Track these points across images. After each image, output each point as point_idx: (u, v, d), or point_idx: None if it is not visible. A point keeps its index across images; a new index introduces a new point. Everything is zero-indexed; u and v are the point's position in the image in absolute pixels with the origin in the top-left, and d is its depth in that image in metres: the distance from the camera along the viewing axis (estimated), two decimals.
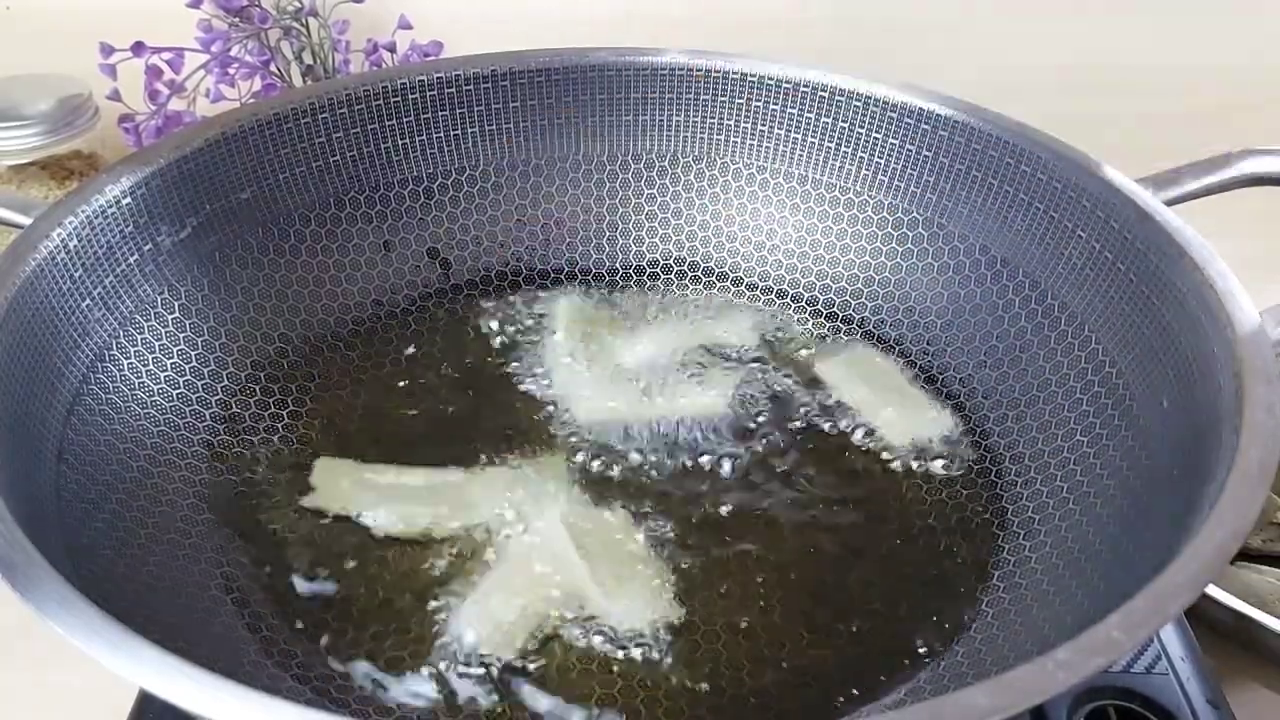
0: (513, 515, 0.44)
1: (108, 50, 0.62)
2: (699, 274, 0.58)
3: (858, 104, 0.54)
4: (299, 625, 0.41)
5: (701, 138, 0.57)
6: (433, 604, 0.41)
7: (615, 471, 0.47)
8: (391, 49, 0.67)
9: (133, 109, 0.63)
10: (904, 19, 0.76)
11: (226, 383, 0.49)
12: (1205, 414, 0.38)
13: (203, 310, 0.49)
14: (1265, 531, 0.50)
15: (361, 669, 0.39)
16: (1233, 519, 0.32)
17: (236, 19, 0.65)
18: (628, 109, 0.56)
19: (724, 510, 0.45)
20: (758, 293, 0.57)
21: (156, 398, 0.46)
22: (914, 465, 0.48)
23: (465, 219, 0.56)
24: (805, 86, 0.54)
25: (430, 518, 0.44)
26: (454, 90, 0.54)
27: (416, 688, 0.38)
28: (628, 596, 0.41)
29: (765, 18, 0.74)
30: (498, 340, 0.54)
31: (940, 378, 0.52)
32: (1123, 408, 0.44)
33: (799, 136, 0.55)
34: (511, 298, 0.56)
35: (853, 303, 0.55)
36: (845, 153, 0.55)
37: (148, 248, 0.46)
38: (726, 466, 0.47)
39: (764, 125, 0.56)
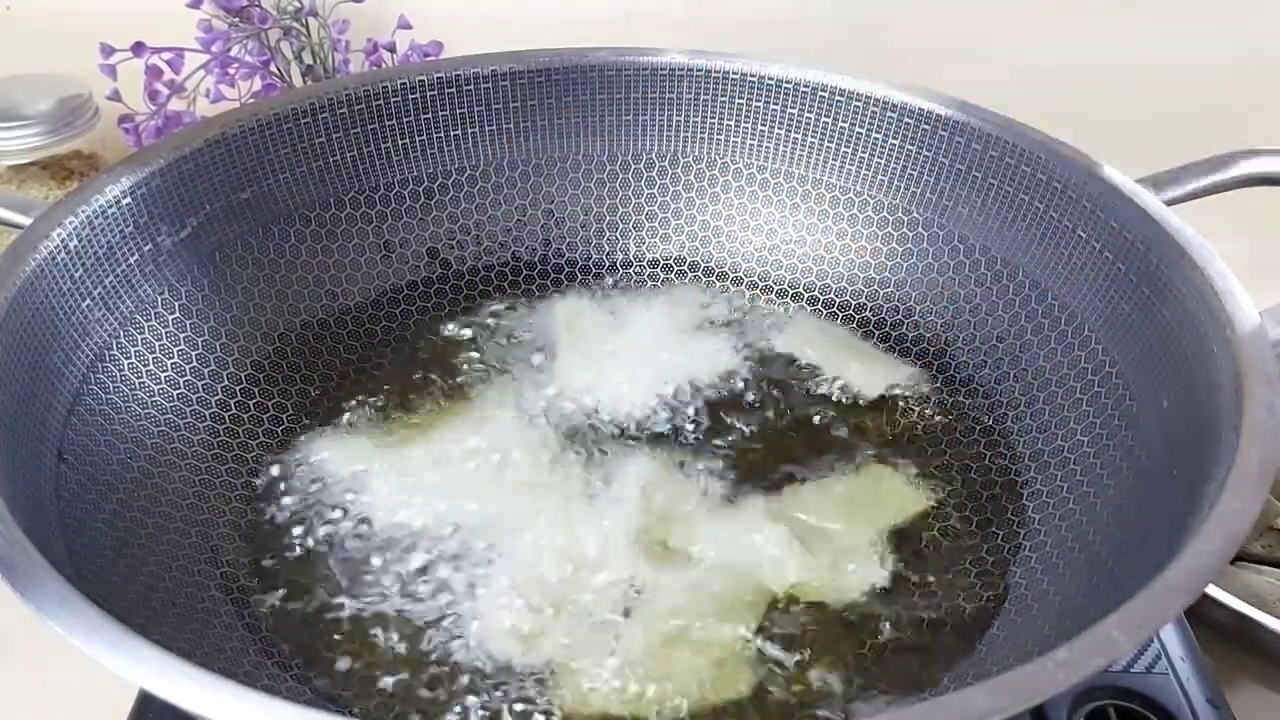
0: (513, 512, 0.44)
1: (108, 50, 0.63)
2: (699, 274, 0.58)
3: (858, 104, 0.54)
4: (300, 625, 0.41)
5: (701, 138, 0.57)
6: (434, 604, 0.41)
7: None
8: (391, 49, 0.67)
9: (133, 109, 0.63)
10: (904, 19, 0.76)
11: (226, 383, 0.49)
12: (1205, 414, 0.38)
13: (203, 310, 0.49)
14: (1265, 537, 0.50)
15: (362, 668, 0.39)
16: (1232, 519, 0.32)
17: (236, 19, 0.65)
18: (628, 109, 0.56)
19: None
20: (758, 292, 0.57)
21: (156, 398, 0.46)
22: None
23: (465, 219, 0.56)
24: (805, 86, 0.54)
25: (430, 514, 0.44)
26: (454, 90, 0.54)
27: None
28: None
29: (765, 18, 0.74)
30: (498, 340, 0.54)
31: (940, 377, 0.52)
32: (1123, 408, 0.44)
33: (799, 136, 0.55)
34: (511, 297, 0.56)
35: (852, 303, 0.55)
36: (845, 153, 0.55)
37: (148, 248, 0.46)
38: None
39: (764, 125, 0.56)
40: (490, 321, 0.55)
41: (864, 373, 0.52)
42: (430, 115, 0.54)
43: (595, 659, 0.39)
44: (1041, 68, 0.74)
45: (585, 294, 0.57)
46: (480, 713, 0.38)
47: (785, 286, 0.57)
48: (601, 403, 0.50)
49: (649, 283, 0.57)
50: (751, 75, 0.55)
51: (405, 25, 0.67)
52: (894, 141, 0.53)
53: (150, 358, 0.46)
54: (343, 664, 0.39)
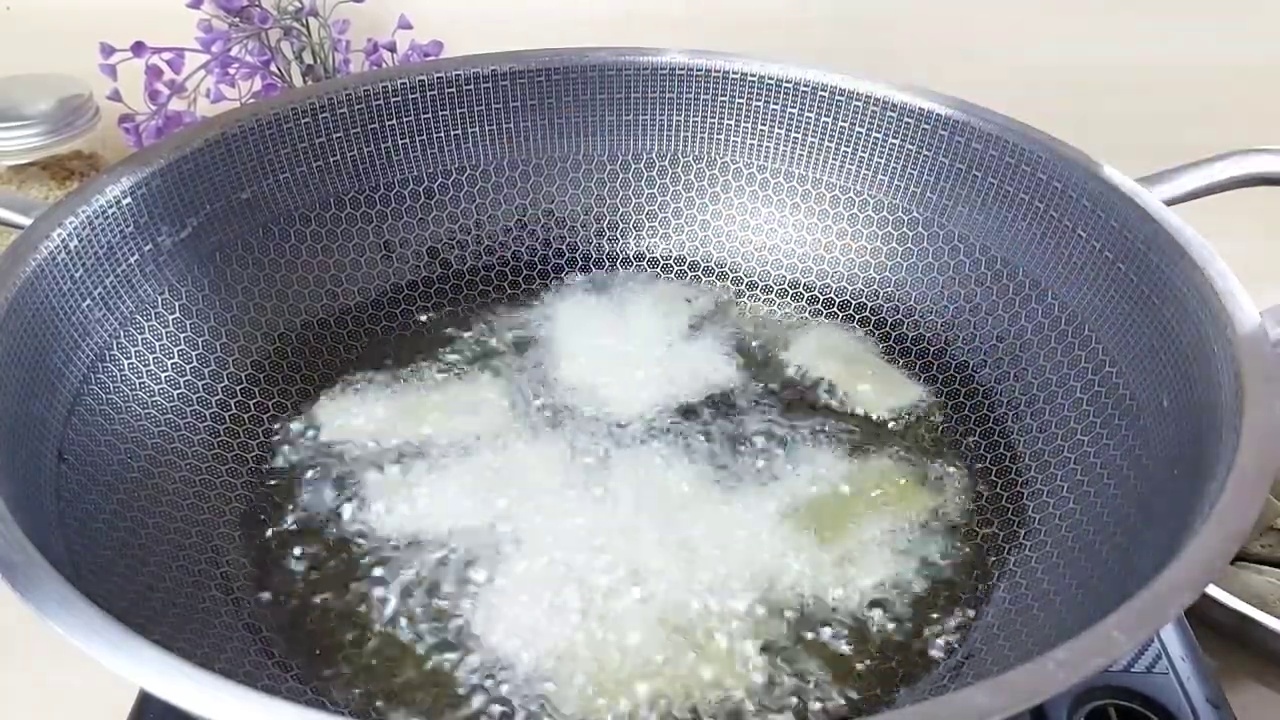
0: (510, 511, 0.44)
1: (108, 50, 0.63)
2: (699, 273, 0.58)
3: (858, 104, 0.54)
4: (300, 625, 0.41)
5: (701, 138, 0.57)
6: (436, 604, 0.41)
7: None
8: (391, 49, 0.67)
9: (133, 109, 0.63)
10: (904, 19, 0.76)
11: (226, 383, 0.49)
12: (1205, 414, 0.38)
13: (203, 310, 0.49)
14: (1265, 537, 0.50)
15: (363, 669, 0.39)
16: (1233, 519, 0.32)
17: (237, 19, 0.65)
18: (628, 109, 0.56)
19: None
20: (758, 292, 0.57)
21: (157, 398, 0.46)
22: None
23: (465, 219, 0.56)
24: (805, 86, 0.54)
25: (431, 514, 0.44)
26: (454, 90, 0.54)
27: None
28: None
29: (765, 18, 0.74)
30: (498, 340, 0.54)
31: (940, 378, 0.52)
32: (1123, 407, 0.44)
33: (799, 136, 0.55)
34: (511, 297, 0.56)
35: (852, 302, 0.55)
36: (845, 153, 0.55)
37: (148, 248, 0.46)
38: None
39: (764, 125, 0.56)
40: (490, 321, 0.55)
41: (863, 373, 0.52)
42: (430, 115, 0.54)
43: (598, 655, 0.39)
44: (1041, 68, 0.74)
45: (585, 294, 0.57)
46: (484, 712, 0.38)
47: (785, 286, 0.57)
48: (602, 401, 0.50)
49: (649, 282, 0.57)
50: (751, 75, 0.55)
51: (405, 25, 0.67)
52: (894, 141, 0.53)
53: (150, 358, 0.46)
54: (343, 664, 0.39)
